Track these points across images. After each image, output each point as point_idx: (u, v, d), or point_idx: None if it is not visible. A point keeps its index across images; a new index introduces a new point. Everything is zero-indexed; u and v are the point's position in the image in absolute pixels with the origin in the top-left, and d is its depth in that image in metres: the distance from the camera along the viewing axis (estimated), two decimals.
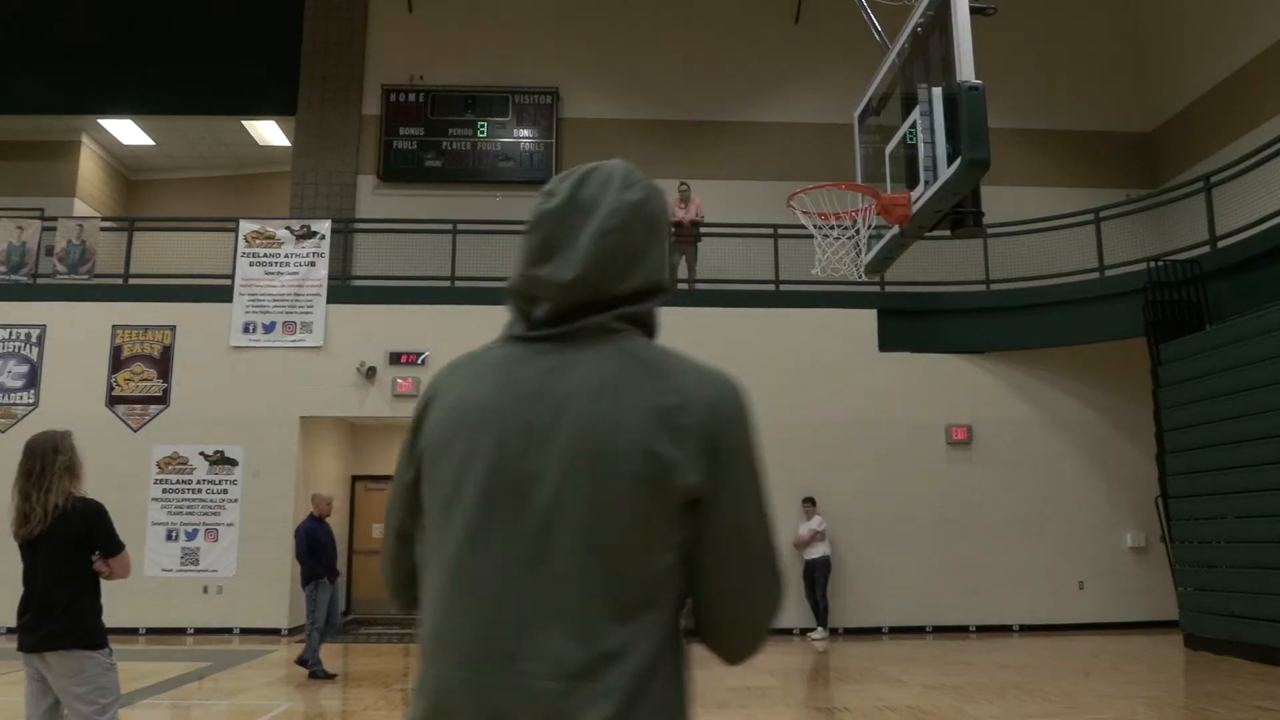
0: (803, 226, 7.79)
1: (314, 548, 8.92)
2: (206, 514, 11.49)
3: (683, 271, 13.17)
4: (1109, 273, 12.10)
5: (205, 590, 9.60)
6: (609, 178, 1.33)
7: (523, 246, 1.32)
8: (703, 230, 13.36)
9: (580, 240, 1.28)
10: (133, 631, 10.88)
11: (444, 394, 1.34)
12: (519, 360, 1.29)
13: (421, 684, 1.30)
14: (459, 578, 1.26)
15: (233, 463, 12.05)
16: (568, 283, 1.27)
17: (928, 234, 6.86)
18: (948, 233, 6.65)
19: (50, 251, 12.92)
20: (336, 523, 14.09)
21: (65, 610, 3.73)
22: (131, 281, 12.90)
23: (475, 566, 1.24)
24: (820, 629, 11.69)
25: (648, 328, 1.35)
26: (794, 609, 11.94)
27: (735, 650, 1.33)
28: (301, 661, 8.74)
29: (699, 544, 1.25)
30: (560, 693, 1.17)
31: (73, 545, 3.78)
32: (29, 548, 3.80)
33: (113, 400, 12.19)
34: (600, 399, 1.23)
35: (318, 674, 8.65)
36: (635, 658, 1.19)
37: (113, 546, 3.87)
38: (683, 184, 13.44)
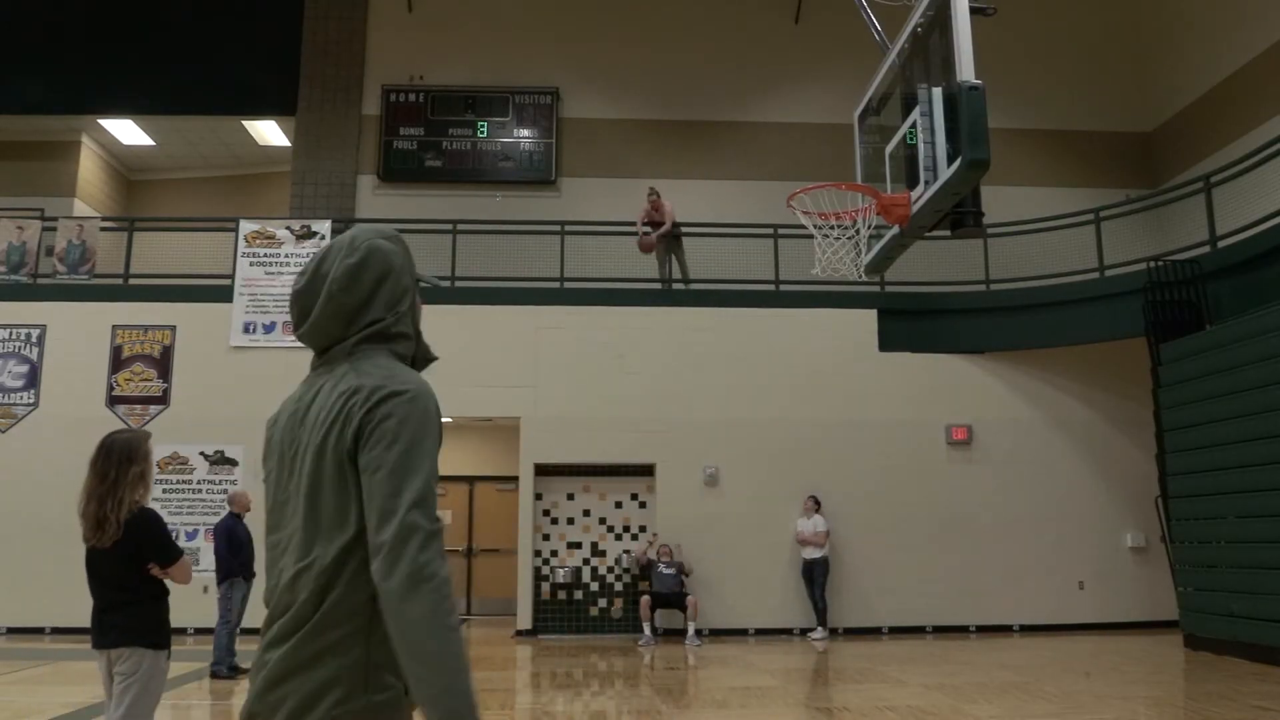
0: (803, 226, 7.79)
1: (232, 545, 8.90)
2: (207, 514, 11.49)
3: (677, 272, 13.17)
4: (1109, 273, 12.10)
5: (205, 590, 9.59)
6: (338, 250, 1.82)
7: (291, 316, 1.88)
8: (705, 231, 13.35)
9: (316, 307, 1.80)
10: None
11: (274, 418, 1.92)
12: (306, 383, 1.84)
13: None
14: None
15: (233, 463, 12.06)
16: (314, 338, 1.82)
17: (928, 234, 6.86)
18: (948, 233, 6.65)
19: (50, 251, 12.92)
20: None
21: (130, 609, 3.76)
22: (131, 281, 12.90)
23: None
24: (820, 629, 11.69)
25: (394, 340, 1.80)
26: (794, 609, 11.95)
27: None
28: (215, 673, 8.64)
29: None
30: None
31: (132, 554, 3.77)
32: (94, 554, 3.81)
33: (113, 400, 12.19)
34: (323, 398, 1.73)
35: (219, 673, 8.60)
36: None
37: (168, 556, 3.84)
38: (651, 190, 13.18)
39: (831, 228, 7.59)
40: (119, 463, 3.76)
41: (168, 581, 3.90)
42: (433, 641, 1.49)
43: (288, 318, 10.84)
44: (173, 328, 12.40)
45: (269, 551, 1.74)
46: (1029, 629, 12.04)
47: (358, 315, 1.78)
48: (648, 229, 12.91)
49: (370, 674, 1.56)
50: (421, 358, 1.90)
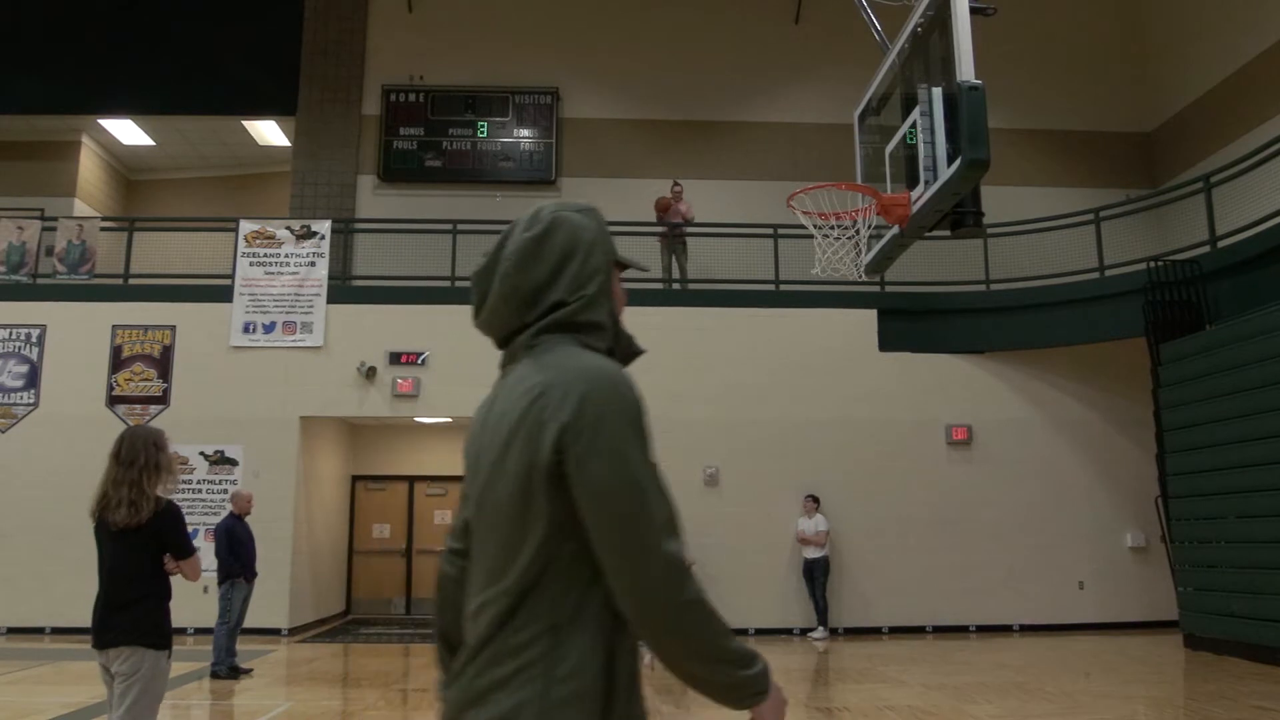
0: (803, 226, 7.79)
1: (233, 546, 8.92)
2: (207, 514, 11.49)
3: (675, 272, 13.19)
4: (1109, 273, 12.10)
5: (205, 590, 9.59)
6: (518, 225, 1.57)
7: (472, 302, 1.63)
8: (704, 231, 13.36)
9: (492, 289, 1.56)
10: None
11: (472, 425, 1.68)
12: (496, 384, 1.61)
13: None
14: None
15: (233, 463, 12.05)
16: (491, 327, 1.58)
17: (928, 234, 6.86)
18: (948, 233, 6.65)
19: (50, 251, 12.92)
20: (337, 523, 14.14)
21: (133, 608, 3.79)
22: (131, 281, 12.90)
23: None
24: (820, 628, 11.69)
25: (583, 329, 1.53)
26: (794, 608, 11.95)
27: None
28: (215, 673, 8.64)
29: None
30: None
31: (149, 543, 3.84)
32: (109, 538, 3.84)
33: (113, 400, 12.19)
34: (504, 399, 1.52)
35: (220, 673, 8.61)
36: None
37: (185, 549, 3.94)
38: (676, 183, 13.42)
39: (831, 228, 7.59)
40: (145, 448, 3.86)
41: (173, 580, 3.94)
42: (710, 669, 1.40)
43: (288, 318, 10.85)
44: (173, 328, 12.40)
45: (474, 578, 1.52)
46: (1029, 629, 12.04)
47: (537, 298, 1.52)
48: (665, 222, 13.12)
49: (548, 714, 1.35)
50: (622, 352, 1.61)
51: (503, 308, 1.54)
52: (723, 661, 1.41)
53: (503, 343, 1.57)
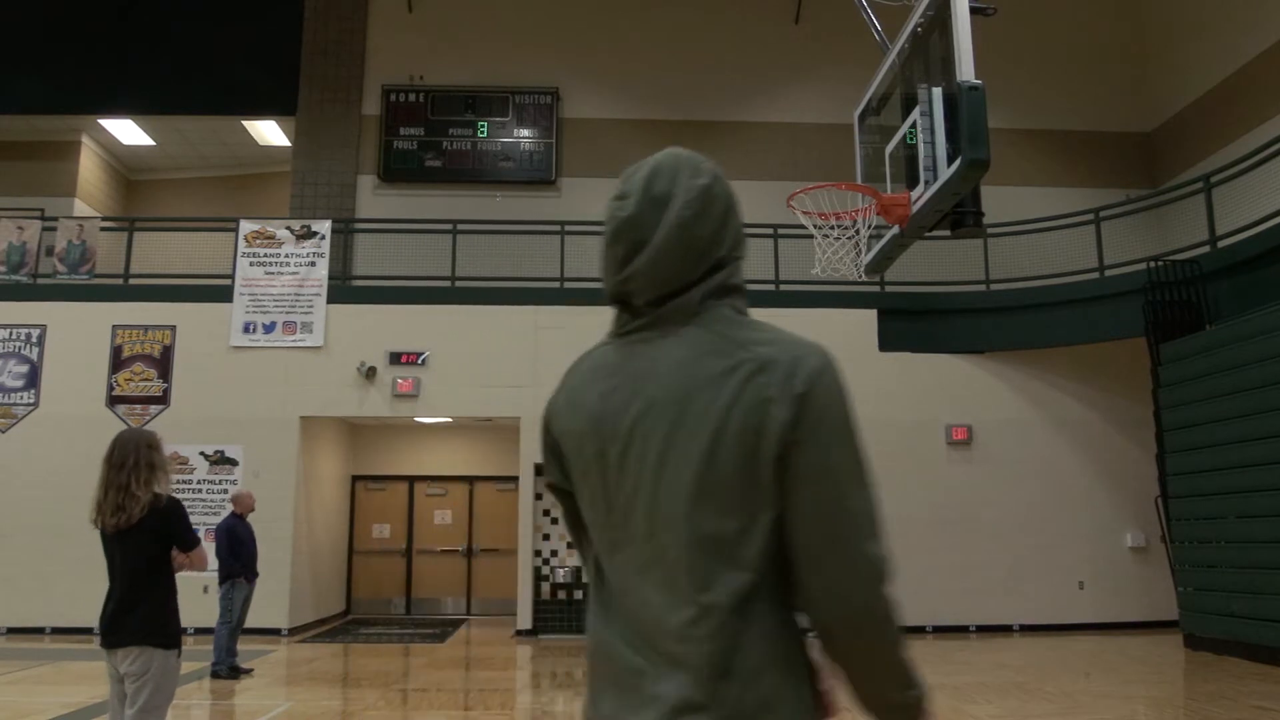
0: (803, 226, 7.79)
1: (233, 545, 8.92)
2: (207, 514, 11.49)
3: None
4: (1109, 273, 12.10)
5: (205, 590, 9.59)
6: (676, 169, 1.38)
7: (607, 256, 1.39)
8: None
9: (658, 235, 1.34)
10: None
11: (559, 405, 1.46)
12: (619, 351, 1.40)
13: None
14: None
15: (233, 463, 12.06)
16: (649, 282, 1.35)
17: (928, 234, 6.86)
18: (948, 233, 6.65)
19: (50, 251, 12.91)
20: (336, 524, 14.14)
21: (140, 608, 3.84)
22: (131, 281, 12.90)
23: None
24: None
25: (733, 294, 1.40)
26: None
27: None
28: (215, 673, 8.63)
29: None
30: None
31: (154, 541, 3.88)
32: (113, 541, 3.90)
33: (113, 400, 12.19)
34: (679, 372, 1.31)
35: (220, 673, 8.61)
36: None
37: (189, 541, 3.99)
38: None
39: (831, 228, 7.59)
40: (135, 449, 3.90)
41: (177, 576, 3.98)
42: (884, 683, 1.32)
43: (288, 318, 10.79)
44: (173, 328, 12.40)
45: (648, 582, 1.30)
46: (1029, 629, 12.04)
47: (705, 254, 1.36)
48: None
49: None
50: None
51: (672, 261, 1.34)
52: (898, 677, 1.33)
53: (656, 302, 1.36)
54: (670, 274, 1.34)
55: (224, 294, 12.51)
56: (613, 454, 1.33)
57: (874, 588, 1.27)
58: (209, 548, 8.84)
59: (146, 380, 12.27)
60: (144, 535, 3.86)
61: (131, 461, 3.86)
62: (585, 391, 1.40)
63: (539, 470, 12.22)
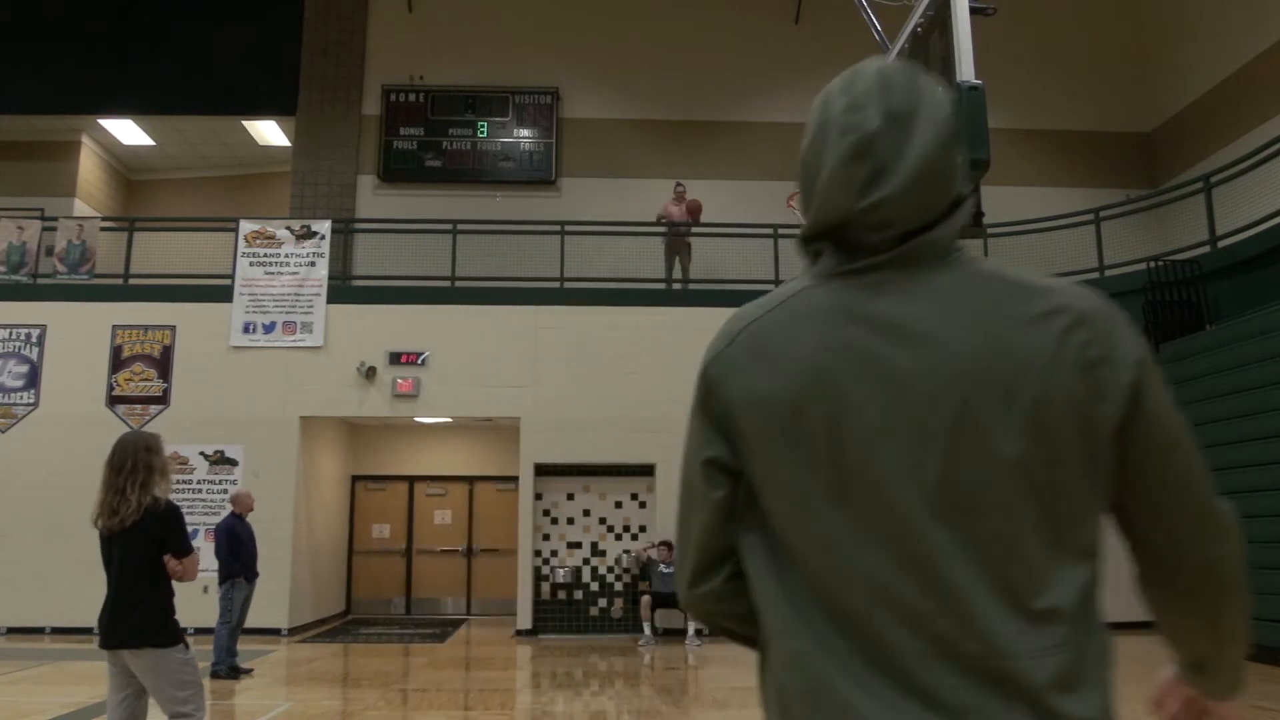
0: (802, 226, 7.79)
1: (233, 546, 8.92)
2: (207, 514, 11.49)
3: (676, 272, 13.19)
4: (1109, 273, 12.10)
5: (205, 590, 9.59)
6: (912, 82, 1.15)
7: (839, 176, 1.13)
8: (704, 231, 13.37)
9: (913, 157, 1.10)
10: None
11: (736, 360, 1.15)
12: (856, 298, 1.12)
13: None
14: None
15: (233, 463, 12.06)
16: (905, 209, 1.10)
17: None
18: None
19: (50, 251, 12.92)
20: (336, 524, 14.14)
21: (137, 609, 3.88)
22: (131, 281, 12.90)
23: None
24: None
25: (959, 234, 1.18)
26: None
27: None
28: (215, 673, 8.62)
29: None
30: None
31: (149, 544, 3.92)
32: (110, 542, 3.95)
33: (113, 400, 12.19)
34: (966, 321, 1.07)
35: (220, 673, 8.60)
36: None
37: (184, 548, 4.01)
38: (679, 184, 13.50)
39: None
40: (134, 452, 3.94)
41: (173, 582, 4.02)
42: (1234, 646, 1.26)
43: (288, 318, 10.73)
44: (173, 328, 12.40)
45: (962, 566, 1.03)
46: None
47: (953, 185, 1.14)
48: (666, 223, 13.16)
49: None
50: None
51: (930, 190, 1.11)
52: (1243, 638, 1.22)
53: (898, 239, 1.11)
54: (926, 204, 1.11)
55: (224, 294, 12.51)
56: (856, 423, 1.06)
57: (1234, 544, 1.21)
58: (208, 548, 8.90)
59: (146, 380, 12.27)
60: (140, 538, 3.89)
61: (129, 465, 3.90)
62: (792, 342, 1.12)
63: (539, 470, 12.24)
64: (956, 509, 1.04)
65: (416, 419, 13.23)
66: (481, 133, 15.08)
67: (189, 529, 4.28)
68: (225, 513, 9.71)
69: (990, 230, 11.65)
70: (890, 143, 1.10)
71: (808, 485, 1.08)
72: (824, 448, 1.07)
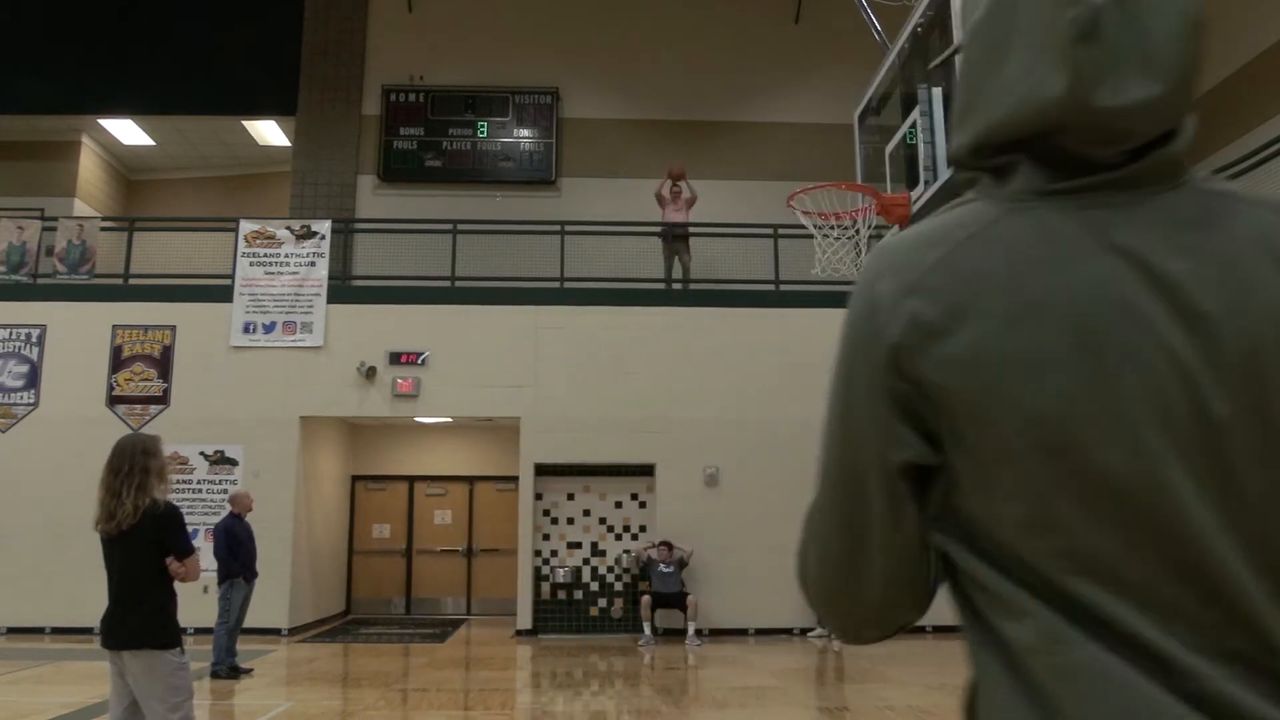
0: (803, 226, 7.79)
1: (232, 545, 8.92)
2: (207, 514, 11.48)
3: (676, 272, 13.19)
4: None
5: (205, 590, 9.59)
6: None
7: (1064, 62, 0.83)
8: (704, 231, 13.36)
9: (1163, 42, 0.83)
10: None
11: (960, 313, 0.85)
12: (1090, 223, 0.85)
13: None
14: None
15: (233, 463, 12.06)
16: (1170, 109, 0.85)
17: None
18: None
19: (50, 251, 12.92)
20: (336, 524, 14.14)
21: (138, 611, 3.89)
22: (131, 281, 12.90)
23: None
24: (820, 628, 11.69)
25: None
26: (794, 609, 11.94)
27: None
28: (215, 673, 8.62)
29: None
30: None
31: (149, 546, 3.93)
32: (110, 545, 3.96)
33: (113, 400, 12.19)
34: (1260, 251, 0.84)
35: (219, 673, 8.60)
36: None
37: (184, 549, 4.02)
38: (675, 184, 13.34)
39: (831, 228, 7.60)
40: (131, 455, 3.94)
41: (175, 583, 4.03)
42: None
43: (288, 318, 10.75)
44: (173, 328, 12.40)
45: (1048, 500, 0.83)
46: None
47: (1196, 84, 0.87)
48: (666, 223, 13.12)
49: None
50: None
51: (1190, 88, 0.85)
52: None
53: (1134, 152, 0.86)
54: (1181, 108, 0.86)
55: (224, 294, 12.51)
56: (1125, 403, 0.80)
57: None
58: (207, 548, 8.90)
59: (146, 380, 12.27)
60: (139, 541, 3.90)
61: (126, 468, 3.90)
62: (1014, 281, 0.84)
63: (539, 470, 12.24)
64: (1251, 521, 0.81)
65: (416, 419, 13.23)
66: (481, 133, 15.08)
67: (189, 529, 4.29)
68: (225, 513, 9.71)
69: None
70: (1126, 16, 0.83)
71: (1059, 474, 0.83)
72: (1088, 426, 0.81)
